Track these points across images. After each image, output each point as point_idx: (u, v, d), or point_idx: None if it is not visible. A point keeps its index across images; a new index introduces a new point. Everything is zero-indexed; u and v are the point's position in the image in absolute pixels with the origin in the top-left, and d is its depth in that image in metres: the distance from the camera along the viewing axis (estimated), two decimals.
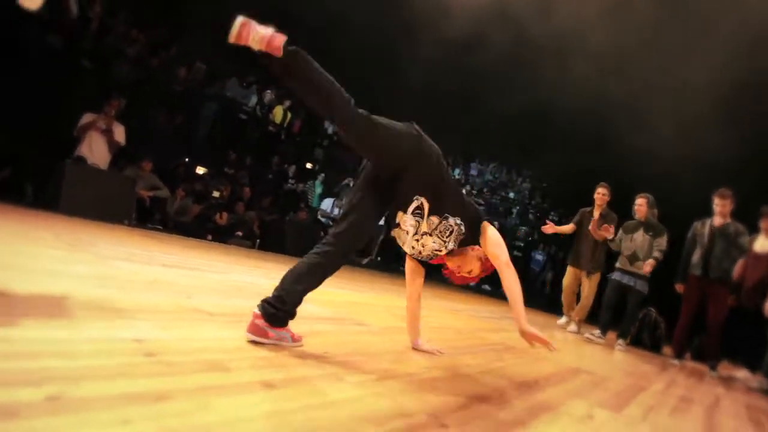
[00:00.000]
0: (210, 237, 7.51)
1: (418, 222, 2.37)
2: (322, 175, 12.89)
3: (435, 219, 2.34)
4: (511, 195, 15.83)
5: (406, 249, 2.47)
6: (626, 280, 5.96)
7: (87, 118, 6.65)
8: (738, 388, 4.74)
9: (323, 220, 10.93)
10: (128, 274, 2.94)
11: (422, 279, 2.71)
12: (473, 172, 17.61)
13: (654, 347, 6.91)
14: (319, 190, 12.57)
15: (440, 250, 2.43)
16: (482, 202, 15.78)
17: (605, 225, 5.93)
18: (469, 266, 2.52)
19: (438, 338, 3.21)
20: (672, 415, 2.67)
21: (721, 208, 5.50)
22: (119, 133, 6.86)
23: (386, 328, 3.24)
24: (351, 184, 12.91)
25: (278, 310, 2.05)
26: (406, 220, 2.37)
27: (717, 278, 5.40)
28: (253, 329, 2.04)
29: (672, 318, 6.07)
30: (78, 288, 2.26)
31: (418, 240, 2.41)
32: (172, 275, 3.32)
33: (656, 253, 5.85)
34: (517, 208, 16.70)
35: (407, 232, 2.41)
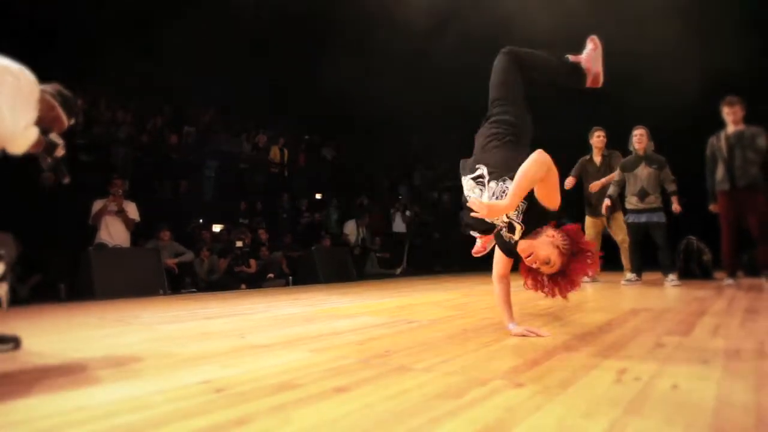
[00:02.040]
0: (244, 286, 7.57)
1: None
2: (335, 200, 12.97)
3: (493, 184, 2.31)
4: None
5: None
6: (642, 218, 5.83)
7: (98, 204, 6.78)
8: None
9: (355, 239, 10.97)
10: (178, 332, 2.99)
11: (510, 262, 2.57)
12: None
13: (705, 275, 6.77)
14: (335, 216, 12.65)
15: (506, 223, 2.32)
16: None
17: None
18: (544, 251, 2.14)
19: (493, 315, 3.20)
20: (742, 326, 2.63)
21: (732, 116, 5.41)
22: (132, 211, 6.98)
23: (436, 319, 3.23)
24: (365, 203, 12.97)
25: None
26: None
27: (746, 186, 5.29)
28: None
29: (716, 242, 5.92)
30: (136, 352, 2.31)
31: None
32: (219, 324, 3.35)
33: (673, 187, 5.75)
34: None
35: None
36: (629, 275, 5.95)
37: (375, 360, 2.02)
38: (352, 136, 15.78)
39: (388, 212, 13.23)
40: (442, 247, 12.81)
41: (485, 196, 2.31)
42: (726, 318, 2.96)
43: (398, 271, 10.50)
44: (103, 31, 10.39)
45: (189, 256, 7.39)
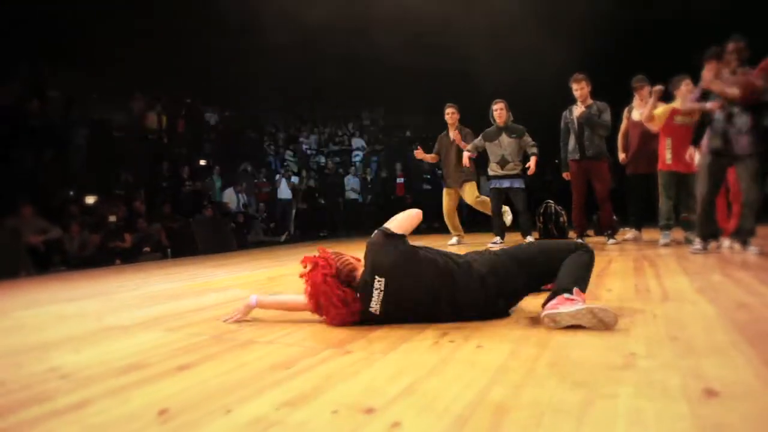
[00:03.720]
0: (118, 261, 7.33)
1: None
2: (217, 168, 12.66)
3: None
4: (408, 134, 16.11)
5: None
6: (504, 183, 6.31)
7: None
8: (631, 247, 5.28)
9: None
10: (34, 317, 2.94)
11: None
12: (366, 121, 17.79)
13: (561, 234, 7.44)
14: (218, 183, 12.38)
15: None
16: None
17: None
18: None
19: None
20: None
21: (579, 92, 5.91)
22: None
23: (300, 290, 3.39)
24: (248, 169, 12.80)
25: None
26: None
27: (593, 156, 5.83)
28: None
29: (570, 205, 6.48)
30: None
31: None
32: (80, 306, 3.32)
33: (534, 150, 6.23)
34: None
35: None
36: (496, 239, 6.43)
37: (227, 335, 2.17)
38: (236, 100, 15.34)
39: (273, 178, 13.15)
40: (327, 213, 12.98)
41: None
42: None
43: (282, 238, 10.57)
44: None
45: (56, 232, 7.01)
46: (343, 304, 2.14)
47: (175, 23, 11.50)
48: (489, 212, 6.63)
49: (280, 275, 4.38)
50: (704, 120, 4.45)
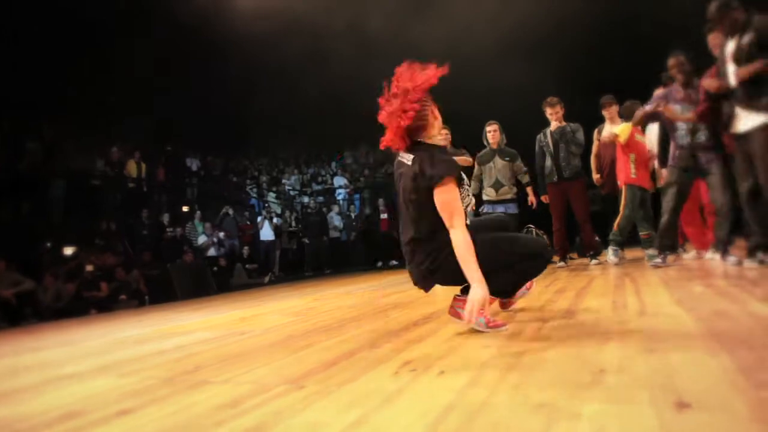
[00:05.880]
0: (94, 311, 7.13)
1: None
2: (198, 213, 12.53)
3: None
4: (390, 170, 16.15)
5: None
6: (498, 209, 6.17)
7: None
8: (614, 268, 5.18)
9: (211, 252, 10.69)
10: None
11: None
12: (349, 160, 17.86)
13: None
14: (200, 228, 12.23)
15: None
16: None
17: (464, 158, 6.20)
18: None
19: (328, 318, 3.30)
20: (542, 309, 2.88)
21: (554, 115, 5.93)
22: None
23: (270, 328, 3.26)
24: (230, 212, 12.67)
25: None
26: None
27: (571, 177, 5.81)
28: None
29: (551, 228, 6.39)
30: None
31: None
32: (41, 357, 3.17)
33: (526, 178, 6.14)
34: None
35: None
36: None
37: (180, 377, 2.03)
38: (218, 144, 15.35)
39: (255, 221, 13.03)
40: (311, 252, 12.81)
41: None
42: (535, 301, 3.23)
43: (266, 279, 10.39)
44: None
45: (28, 285, 6.82)
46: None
47: (154, 72, 11.55)
48: None
49: (252, 315, 4.23)
50: (665, 134, 4.56)
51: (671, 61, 4.40)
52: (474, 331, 2.28)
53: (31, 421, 1.63)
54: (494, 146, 6.15)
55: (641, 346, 1.70)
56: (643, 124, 5.06)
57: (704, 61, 4.16)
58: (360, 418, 1.28)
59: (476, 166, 6.22)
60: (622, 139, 5.14)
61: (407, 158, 2.35)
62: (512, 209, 6.14)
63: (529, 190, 6.19)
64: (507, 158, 6.11)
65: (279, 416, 1.38)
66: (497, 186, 6.10)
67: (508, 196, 6.14)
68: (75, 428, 1.50)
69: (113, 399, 1.80)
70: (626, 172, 5.25)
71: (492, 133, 6.14)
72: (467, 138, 6.57)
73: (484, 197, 6.23)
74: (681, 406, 1.10)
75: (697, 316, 2.09)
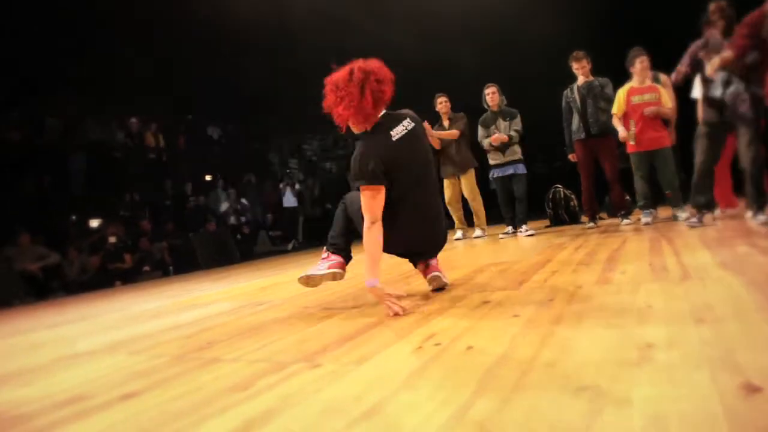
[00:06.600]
0: (119, 283, 7.17)
1: None
2: (221, 181, 12.51)
3: None
4: None
5: None
6: (507, 171, 6.00)
7: None
8: (648, 228, 4.96)
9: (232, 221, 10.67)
10: (4, 347, 2.75)
11: None
12: None
13: (573, 220, 7.13)
14: (223, 196, 12.22)
15: None
16: None
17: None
18: None
19: (344, 287, 3.18)
20: (575, 272, 2.72)
21: (581, 70, 5.67)
22: None
23: (288, 298, 3.16)
24: (252, 180, 12.63)
25: None
26: None
27: (599, 133, 5.57)
28: None
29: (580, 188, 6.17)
30: None
31: None
32: (57, 333, 3.13)
33: (512, 132, 5.94)
34: None
35: None
36: (507, 229, 6.15)
37: (191, 354, 1.93)
38: (238, 111, 15.19)
39: (278, 187, 12.98)
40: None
41: None
42: (566, 264, 3.07)
43: (290, 246, 10.36)
44: None
45: (54, 258, 6.86)
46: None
47: (173, 46, 11.34)
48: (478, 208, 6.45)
49: (273, 284, 4.14)
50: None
51: (712, 6, 4.10)
52: (501, 301, 2.13)
53: (35, 405, 1.56)
54: (494, 108, 6.05)
55: (690, 315, 1.53)
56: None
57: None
58: (375, 406, 1.14)
59: (480, 129, 6.10)
60: (617, 112, 5.12)
61: (400, 124, 2.40)
62: (521, 169, 6.03)
63: (501, 137, 5.95)
64: (509, 118, 5.99)
65: (288, 401, 1.25)
66: (503, 147, 5.95)
67: (516, 157, 6.01)
68: (77, 413, 1.41)
69: (120, 380, 1.71)
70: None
71: (491, 96, 6.04)
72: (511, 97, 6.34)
73: (491, 161, 6.09)
74: (750, 390, 0.94)
75: (747, 279, 1.91)
